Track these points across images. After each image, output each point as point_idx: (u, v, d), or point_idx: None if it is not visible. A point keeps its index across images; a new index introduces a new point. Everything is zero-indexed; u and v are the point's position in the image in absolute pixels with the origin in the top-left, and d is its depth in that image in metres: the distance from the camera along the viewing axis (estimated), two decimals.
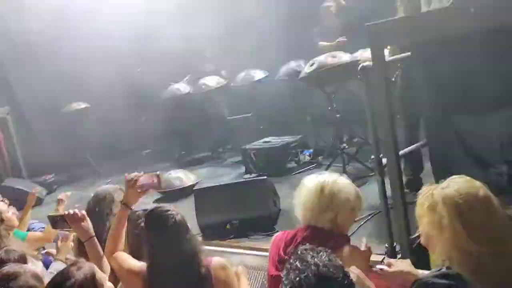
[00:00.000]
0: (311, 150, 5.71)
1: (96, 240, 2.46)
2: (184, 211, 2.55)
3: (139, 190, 2.50)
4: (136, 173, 2.52)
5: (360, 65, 2.95)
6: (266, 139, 5.89)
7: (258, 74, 6.50)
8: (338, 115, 4.78)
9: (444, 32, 2.55)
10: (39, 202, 5.66)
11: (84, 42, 7.06)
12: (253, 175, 5.45)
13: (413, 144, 3.61)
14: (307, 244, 1.81)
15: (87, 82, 7.23)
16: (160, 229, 2.25)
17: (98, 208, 2.84)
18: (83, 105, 7.58)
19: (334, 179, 2.34)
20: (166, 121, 7.22)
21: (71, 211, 2.47)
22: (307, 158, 5.62)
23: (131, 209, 2.51)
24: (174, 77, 7.36)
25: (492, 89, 2.87)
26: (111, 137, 7.39)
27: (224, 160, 6.84)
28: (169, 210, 2.28)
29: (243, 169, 5.78)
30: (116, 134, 7.48)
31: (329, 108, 4.83)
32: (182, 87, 7.14)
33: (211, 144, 7.17)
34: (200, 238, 3.31)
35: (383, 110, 2.82)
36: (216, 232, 4.09)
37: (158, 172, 2.61)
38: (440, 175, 2.57)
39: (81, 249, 2.55)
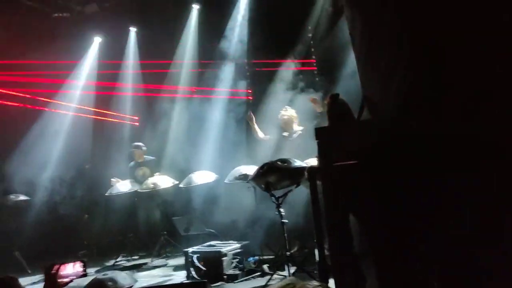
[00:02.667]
0: (256, 257, 5.55)
1: None
2: None
3: (60, 282, 2.31)
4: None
5: (308, 166, 3.02)
6: (211, 243, 5.72)
7: (207, 177, 6.52)
8: (285, 221, 4.74)
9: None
10: None
11: None
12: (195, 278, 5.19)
13: None
14: None
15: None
16: None
17: None
18: (21, 197, 7.18)
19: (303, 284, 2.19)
20: (108, 219, 6.96)
21: None
22: (252, 265, 5.45)
23: None
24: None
25: None
26: (46, 235, 6.96)
27: (165, 264, 6.53)
28: None
29: (184, 274, 5.51)
30: (53, 232, 7.06)
31: (276, 213, 4.81)
32: (129, 184, 7.01)
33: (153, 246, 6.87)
34: None
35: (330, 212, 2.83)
36: None
37: (81, 263, 2.45)
38: None
39: None
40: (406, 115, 3.06)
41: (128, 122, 8.98)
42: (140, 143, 7.49)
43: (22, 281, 5.74)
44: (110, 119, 9.02)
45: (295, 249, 5.30)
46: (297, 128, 6.12)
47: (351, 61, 6.15)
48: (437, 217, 2.96)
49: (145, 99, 9.00)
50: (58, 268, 2.30)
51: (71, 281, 2.34)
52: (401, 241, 3.20)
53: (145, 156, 7.48)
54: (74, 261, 2.39)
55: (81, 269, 2.39)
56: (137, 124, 9.07)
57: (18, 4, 7.93)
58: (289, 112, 6.13)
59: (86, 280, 4.59)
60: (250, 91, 8.35)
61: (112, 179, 7.02)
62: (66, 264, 2.34)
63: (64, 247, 7.31)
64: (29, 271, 6.79)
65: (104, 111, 8.91)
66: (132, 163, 7.42)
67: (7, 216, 6.98)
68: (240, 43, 8.02)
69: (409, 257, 3.16)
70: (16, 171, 7.21)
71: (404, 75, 3.14)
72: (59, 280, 2.30)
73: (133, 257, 7.07)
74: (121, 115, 9.08)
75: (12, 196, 7.10)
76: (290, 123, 6.11)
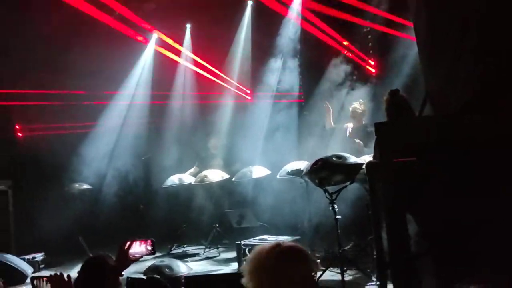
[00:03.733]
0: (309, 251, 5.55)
1: None
2: None
3: (131, 257, 2.45)
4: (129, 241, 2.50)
5: (367, 162, 3.01)
6: (263, 237, 5.79)
7: (260, 172, 6.59)
8: (338, 217, 4.73)
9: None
10: (22, 280, 5.43)
11: None
12: None
13: None
14: None
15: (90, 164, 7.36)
16: None
17: (90, 275, 2.73)
18: (85, 186, 7.57)
19: None
20: (163, 210, 7.19)
21: (56, 273, 2.39)
22: None
23: (122, 275, 2.44)
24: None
25: None
26: (107, 223, 7.29)
27: (217, 255, 6.67)
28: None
29: (235, 265, 5.62)
30: (113, 221, 7.39)
31: (330, 209, 4.80)
32: (185, 177, 7.19)
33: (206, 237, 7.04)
34: None
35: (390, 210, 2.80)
36: None
37: (150, 242, 2.59)
38: None
39: None
40: (472, 111, 2.97)
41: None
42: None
43: None
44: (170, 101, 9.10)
45: (349, 246, 5.26)
46: (363, 122, 6.09)
47: (411, 57, 6.05)
48: (498, 220, 2.87)
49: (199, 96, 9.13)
50: (130, 245, 2.46)
51: (141, 257, 2.50)
52: (463, 241, 3.13)
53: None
54: (144, 240, 2.55)
55: (150, 247, 2.53)
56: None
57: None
58: (363, 107, 6.10)
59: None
60: (302, 87, 8.37)
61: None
62: (137, 241, 2.49)
63: (122, 234, 7.63)
64: (90, 255, 7.13)
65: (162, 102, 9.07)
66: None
67: (72, 202, 7.37)
68: (292, 40, 8.02)
69: (469, 258, 3.09)
70: (82, 162, 7.59)
71: (473, 67, 3.04)
72: (130, 256, 2.45)
73: (186, 247, 7.23)
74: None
75: (76, 185, 7.51)
76: (361, 117, 6.08)
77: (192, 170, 7.51)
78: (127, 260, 2.44)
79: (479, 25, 2.83)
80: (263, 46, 8.20)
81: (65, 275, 2.40)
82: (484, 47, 2.91)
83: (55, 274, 2.41)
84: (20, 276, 5.64)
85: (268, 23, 8.22)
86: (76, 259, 7.04)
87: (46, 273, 3.75)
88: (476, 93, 3.02)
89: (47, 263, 6.88)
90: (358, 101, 6.19)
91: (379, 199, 3.32)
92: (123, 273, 2.46)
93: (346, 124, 6.16)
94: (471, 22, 2.93)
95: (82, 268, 2.79)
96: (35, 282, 2.79)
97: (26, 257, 6.59)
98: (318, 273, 4.87)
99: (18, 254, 6.89)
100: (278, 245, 1.89)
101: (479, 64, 3.03)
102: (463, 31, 3.06)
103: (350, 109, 6.16)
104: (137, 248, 2.47)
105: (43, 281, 2.51)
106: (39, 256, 6.78)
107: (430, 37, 3.30)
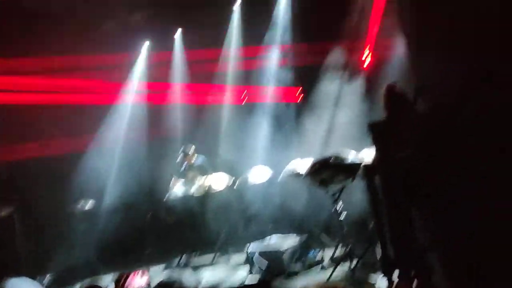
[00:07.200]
0: (317, 250, 5.54)
1: None
2: None
3: None
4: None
5: (362, 164, 2.98)
6: (272, 237, 5.76)
7: (262, 174, 6.57)
8: (342, 215, 4.70)
9: None
10: None
11: None
12: (256, 275, 5.27)
13: None
14: None
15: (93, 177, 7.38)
16: None
17: None
18: (90, 203, 7.56)
19: None
20: (170, 219, 7.18)
21: None
22: (313, 259, 5.45)
23: None
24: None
25: None
26: (116, 234, 7.31)
27: (227, 261, 6.66)
28: None
29: (246, 270, 5.60)
30: (120, 231, 7.41)
31: (333, 210, 4.79)
32: (186, 188, 7.14)
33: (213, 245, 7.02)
34: None
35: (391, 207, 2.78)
36: None
37: (146, 273, 2.58)
38: None
39: None
40: (466, 99, 2.93)
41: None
42: (187, 145, 7.46)
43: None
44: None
45: (355, 242, 5.22)
46: None
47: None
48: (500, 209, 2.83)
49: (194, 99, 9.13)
50: (126, 279, 2.44)
51: None
52: (467, 234, 3.10)
53: (196, 155, 7.42)
54: (139, 271, 2.53)
55: (145, 281, 2.52)
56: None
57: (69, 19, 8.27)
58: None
59: None
60: (298, 79, 8.36)
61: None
62: (132, 275, 2.48)
63: (130, 249, 7.66)
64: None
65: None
66: (179, 160, 7.37)
67: (77, 221, 7.39)
68: (285, 31, 7.98)
69: (475, 250, 3.05)
70: (84, 178, 7.60)
71: (465, 53, 2.99)
72: None
73: (195, 255, 7.21)
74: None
75: (79, 205, 7.53)
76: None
77: (189, 175, 7.40)
78: None
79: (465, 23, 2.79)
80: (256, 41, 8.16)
81: None
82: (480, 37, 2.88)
83: None
84: None
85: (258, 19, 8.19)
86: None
87: None
88: (467, 85, 2.99)
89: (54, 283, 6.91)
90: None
91: (379, 197, 3.29)
92: None
93: None
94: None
95: None
96: None
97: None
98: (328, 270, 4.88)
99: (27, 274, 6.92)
100: None
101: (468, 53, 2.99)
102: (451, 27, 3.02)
103: None
104: (133, 281, 2.46)
105: None
106: (46, 277, 6.78)
107: (418, 27, 3.26)
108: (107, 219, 7.38)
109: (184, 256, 7.07)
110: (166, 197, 7.17)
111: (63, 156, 7.97)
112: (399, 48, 5.85)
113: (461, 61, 3.09)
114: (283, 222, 6.44)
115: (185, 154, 7.33)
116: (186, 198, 7.04)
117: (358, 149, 5.02)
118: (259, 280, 5.10)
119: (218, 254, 6.85)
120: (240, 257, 6.35)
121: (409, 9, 3.22)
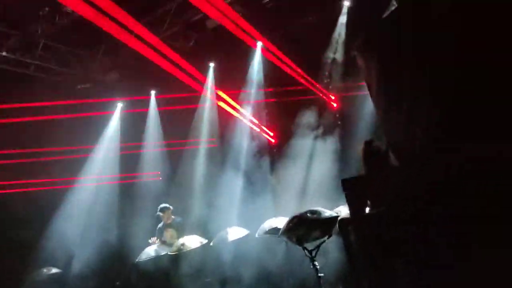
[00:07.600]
0: None
1: None
2: None
3: None
4: None
5: (339, 219, 2.93)
6: None
7: (237, 233, 6.41)
8: (321, 275, 4.56)
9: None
10: None
11: None
12: None
13: None
14: None
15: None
16: None
17: None
18: (54, 270, 7.17)
19: None
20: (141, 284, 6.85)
21: None
22: None
23: None
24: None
25: None
26: None
27: None
28: None
29: None
30: None
31: (311, 267, 4.64)
32: (159, 248, 6.91)
33: None
34: None
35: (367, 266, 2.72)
36: None
37: None
38: None
39: None
40: (433, 152, 2.96)
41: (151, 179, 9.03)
42: (166, 205, 7.42)
43: None
44: (135, 180, 9.13)
45: None
46: None
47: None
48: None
49: (167, 154, 9.11)
50: None
51: None
52: None
53: (172, 217, 7.40)
54: None
55: None
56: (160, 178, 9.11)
57: (43, 79, 8.28)
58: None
59: None
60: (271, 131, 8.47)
61: (150, 240, 6.99)
62: None
63: None
64: None
65: (129, 175, 9.03)
66: (160, 225, 7.35)
67: None
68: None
69: None
70: (49, 245, 7.27)
71: (428, 113, 3.05)
72: None
73: None
74: (145, 173, 9.18)
75: (44, 270, 7.12)
76: None
77: (168, 235, 7.22)
78: None
79: (433, 67, 2.88)
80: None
81: None
82: (441, 84, 2.94)
83: None
84: None
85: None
86: None
87: None
88: (437, 136, 3.02)
89: None
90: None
91: (355, 252, 3.21)
92: None
93: None
94: (426, 65, 2.98)
95: None
96: None
97: None
98: None
99: None
100: None
101: (436, 105, 3.05)
102: (415, 77, 3.11)
103: None
104: None
105: None
106: None
107: (385, 93, 3.34)
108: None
109: None
110: (138, 259, 6.87)
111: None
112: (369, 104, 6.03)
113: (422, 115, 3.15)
114: (261, 282, 6.22)
115: (163, 214, 7.26)
116: (161, 258, 6.77)
117: (333, 206, 5.00)
118: None
119: None
120: None
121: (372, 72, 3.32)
